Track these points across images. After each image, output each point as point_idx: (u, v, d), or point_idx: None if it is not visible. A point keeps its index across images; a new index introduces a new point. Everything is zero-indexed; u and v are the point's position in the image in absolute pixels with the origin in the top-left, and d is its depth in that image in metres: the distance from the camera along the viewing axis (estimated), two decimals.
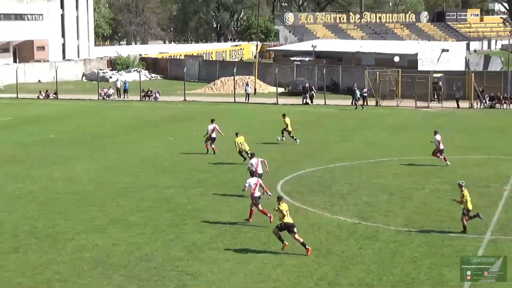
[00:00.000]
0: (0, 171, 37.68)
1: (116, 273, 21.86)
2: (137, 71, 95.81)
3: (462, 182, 26.57)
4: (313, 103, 70.27)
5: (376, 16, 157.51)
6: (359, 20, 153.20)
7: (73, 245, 24.58)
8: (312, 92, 71.67)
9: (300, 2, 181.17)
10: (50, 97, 78.56)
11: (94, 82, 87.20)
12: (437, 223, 27.02)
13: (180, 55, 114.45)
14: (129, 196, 31.68)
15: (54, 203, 30.54)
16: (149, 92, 77.69)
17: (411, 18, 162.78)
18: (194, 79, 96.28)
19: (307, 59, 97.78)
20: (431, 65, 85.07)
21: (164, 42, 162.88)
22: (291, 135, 45.34)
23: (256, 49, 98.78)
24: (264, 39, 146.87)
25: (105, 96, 78.30)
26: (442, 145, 38.17)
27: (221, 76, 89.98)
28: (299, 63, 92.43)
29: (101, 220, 27.82)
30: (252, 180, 27.48)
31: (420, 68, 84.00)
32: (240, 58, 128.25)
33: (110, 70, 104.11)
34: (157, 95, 77.02)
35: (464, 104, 66.80)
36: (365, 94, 68.80)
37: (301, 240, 23.65)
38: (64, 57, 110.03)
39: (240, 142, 37.69)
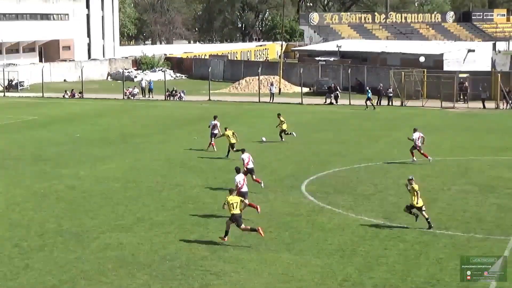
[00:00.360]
0: (26, 169, 37.97)
1: (141, 272, 21.94)
2: (162, 71, 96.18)
3: (411, 177, 26.86)
4: (338, 103, 70.18)
5: (401, 16, 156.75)
6: (384, 20, 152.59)
7: (98, 244, 24.71)
8: (337, 92, 71.61)
9: (325, 2, 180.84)
10: (76, 97, 79.04)
11: (119, 81, 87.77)
12: (463, 224, 26.87)
13: (205, 54, 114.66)
14: (154, 196, 31.79)
15: (80, 202, 30.74)
16: (173, 92, 77.93)
17: (437, 18, 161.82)
18: (219, 78, 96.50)
19: (332, 59, 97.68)
20: (457, 66, 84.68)
21: (189, 42, 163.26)
22: (281, 133, 46.13)
23: (281, 49, 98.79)
24: (289, 39, 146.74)
25: (130, 96, 78.66)
26: (419, 143, 38.35)
27: (245, 76, 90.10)
28: (324, 63, 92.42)
29: (127, 219, 27.95)
30: (240, 177, 27.90)
31: (445, 68, 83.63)
32: (265, 58, 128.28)
33: (135, 70, 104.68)
34: (182, 94, 77.27)
35: (490, 104, 66.41)
36: (390, 94, 69.00)
37: (249, 228, 24.35)
38: (89, 57, 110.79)
39: (228, 135, 39.93)
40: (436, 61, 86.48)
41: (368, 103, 65.92)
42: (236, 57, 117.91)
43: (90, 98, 77.37)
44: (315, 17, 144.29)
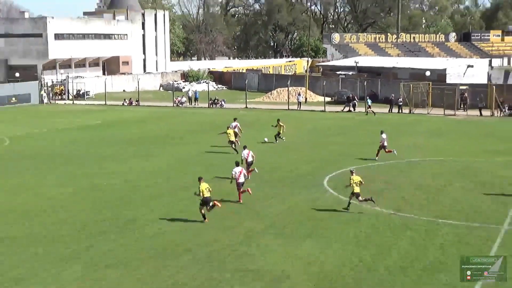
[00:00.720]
0: (89, 165, 38.02)
1: (184, 255, 21.74)
2: (206, 83, 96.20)
3: (353, 169, 27.67)
4: (355, 111, 69.66)
5: (410, 36, 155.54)
6: (395, 39, 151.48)
7: (148, 230, 24.58)
8: (355, 101, 71.12)
9: (345, 24, 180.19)
10: (133, 104, 79.26)
11: (170, 91, 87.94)
12: (464, 215, 26.38)
13: (242, 69, 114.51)
14: (194, 189, 31.46)
15: (132, 194, 30.66)
16: (215, 100, 77.89)
17: (441, 38, 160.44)
18: (254, 89, 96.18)
19: (350, 73, 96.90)
20: (458, 79, 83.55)
21: (229, 58, 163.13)
22: (279, 135, 46.08)
23: (307, 64, 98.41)
24: (314, 55, 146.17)
25: (178, 104, 78.73)
26: (386, 143, 38.62)
27: (277, 87, 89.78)
28: (343, 76, 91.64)
29: (172, 208, 27.79)
30: (237, 169, 28.43)
31: (448, 81, 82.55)
32: (293, 72, 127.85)
33: (183, 82, 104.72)
34: (223, 103, 77.18)
35: (486, 112, 65.55)
36: (400, 103, 68.47)
37: (214, 203, 25.42)
38: (144, 70, 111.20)
39: (229, 133, 40.81)
40: (439, 75, 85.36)
41: (369, 110, 66.05)
42: (269, 71, 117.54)
43: (145, 106, 77.57)
44: (336, 37, 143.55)
